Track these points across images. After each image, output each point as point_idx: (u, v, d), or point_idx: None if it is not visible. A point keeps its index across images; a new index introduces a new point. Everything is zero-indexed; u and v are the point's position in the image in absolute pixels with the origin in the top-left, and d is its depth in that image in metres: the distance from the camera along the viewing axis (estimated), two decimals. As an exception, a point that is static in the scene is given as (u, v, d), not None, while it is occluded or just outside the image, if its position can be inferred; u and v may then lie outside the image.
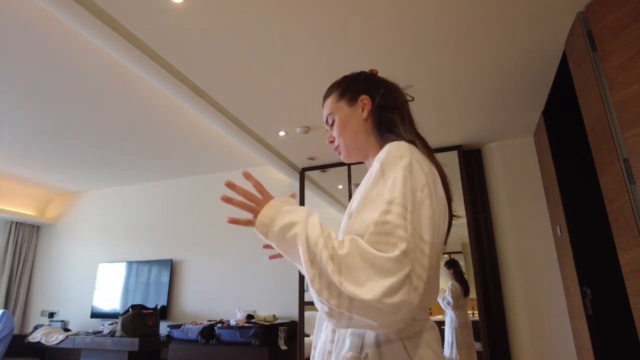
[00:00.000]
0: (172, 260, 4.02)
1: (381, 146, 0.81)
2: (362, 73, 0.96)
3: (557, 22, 1.86)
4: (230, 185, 0.76)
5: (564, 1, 1.74)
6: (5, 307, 4.41)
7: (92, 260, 4.46)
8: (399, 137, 0.82)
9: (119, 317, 3.55)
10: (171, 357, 3.22)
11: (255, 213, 0.74)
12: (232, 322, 3.16)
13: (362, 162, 0.95)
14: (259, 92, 2.44)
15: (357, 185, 0.85)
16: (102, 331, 3.70)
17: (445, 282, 3.12)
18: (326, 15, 1.81)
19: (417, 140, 0.83)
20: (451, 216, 0.83)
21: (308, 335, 3.31)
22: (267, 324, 3.09)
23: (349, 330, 0.73)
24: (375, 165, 0.73)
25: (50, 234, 4.88)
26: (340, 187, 3.65)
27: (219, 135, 3.23)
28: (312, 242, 0.63)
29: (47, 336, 3.83)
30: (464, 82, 2.37)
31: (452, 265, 3.17)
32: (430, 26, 1.90)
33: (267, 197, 0.76)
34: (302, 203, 3.64)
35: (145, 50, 1.97)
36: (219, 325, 3.18)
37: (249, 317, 3.28)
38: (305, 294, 3.41)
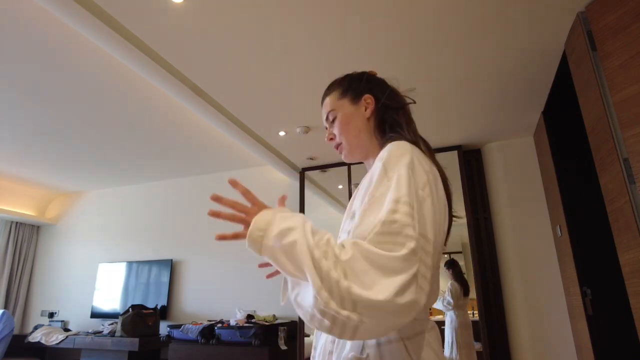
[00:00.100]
0: (172, 260, 4.02)
1: (382, 146, 0.80)
2: (364, 73, 0.96)
3: (557, 22, 1.87)
4: (216, 198, 0.73)
5: (564, 1, 1.74)
6: (5, 307, 4.41)
7: (92, 260, 4.46)
8: (401, 137, 0.82)
9: (119, 317, 3.54)
10: (171, 357, 3.22)
11: (246, 224, 0.70)
12: (232, 322, 3.15)
13: (361, 162, 0.95)
14: (259, 92, 2.44)
15: (357, 185, 0.84)
16: (102, 331, 3.70)
17: (445, 282, 3.12)
18: (326, 15, 1.81)
19: (419, 141, 0.84)
20: (451, 217, 0.83)
21: (308, 335, 3.31)
22: (267, 324, 3.09)
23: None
24: (377, 165, 0.73)
25: (50, 234, 4.88)
26: (340, 187, 3.65)
27: (219, 135, 3.23)
28: (313, 250, 0.60)
29: (47, 336, 3.82)
30: (464, 82, 2.37)
31: (451, 265, 3.17)
32: (430, 26, 1.90)
33: (259, 204, 0.73)
34: (302, 203, 3.64)
35: (145, 50, 1.97)
36: (219, 325, 3.18)
37: (249, 317, 3.28)
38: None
